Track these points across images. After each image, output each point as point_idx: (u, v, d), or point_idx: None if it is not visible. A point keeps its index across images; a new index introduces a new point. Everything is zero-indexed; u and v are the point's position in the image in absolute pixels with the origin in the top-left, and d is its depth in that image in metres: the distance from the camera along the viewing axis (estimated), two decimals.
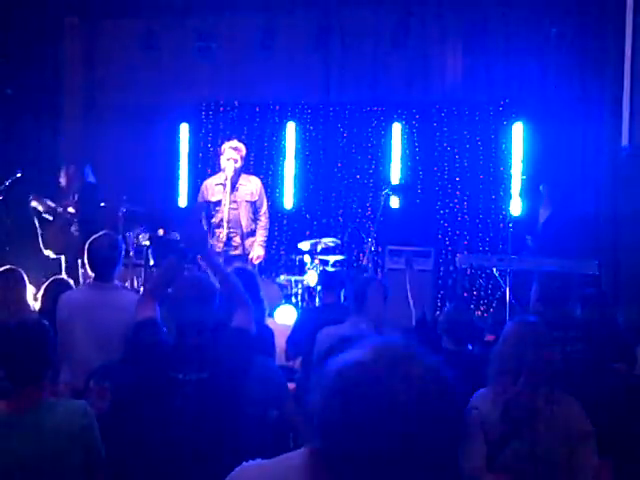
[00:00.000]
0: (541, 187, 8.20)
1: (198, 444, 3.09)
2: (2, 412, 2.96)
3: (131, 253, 8.00)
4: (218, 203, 7.42)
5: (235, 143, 7.57)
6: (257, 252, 7.49)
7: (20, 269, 5.35)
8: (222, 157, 7.51)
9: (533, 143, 9.36)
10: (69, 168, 7.95)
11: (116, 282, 4.83)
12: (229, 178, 7.35)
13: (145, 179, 9.91)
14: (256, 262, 7.50)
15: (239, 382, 3.30)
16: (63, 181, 7.83)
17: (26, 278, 5.33)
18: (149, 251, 8.09)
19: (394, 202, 9.00)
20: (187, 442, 3.11)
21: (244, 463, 1.95)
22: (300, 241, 8.95)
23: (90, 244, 4.66)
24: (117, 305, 4.43)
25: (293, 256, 9.03)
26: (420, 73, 9.73)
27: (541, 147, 9.22)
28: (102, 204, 8.06)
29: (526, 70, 9.32)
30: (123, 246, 4.84)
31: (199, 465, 2.99)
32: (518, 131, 9.52)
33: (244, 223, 7.41)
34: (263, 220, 7.55)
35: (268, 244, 8.20)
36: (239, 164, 7.47)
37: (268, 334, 4.45)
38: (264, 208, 7.60)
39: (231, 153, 7.45)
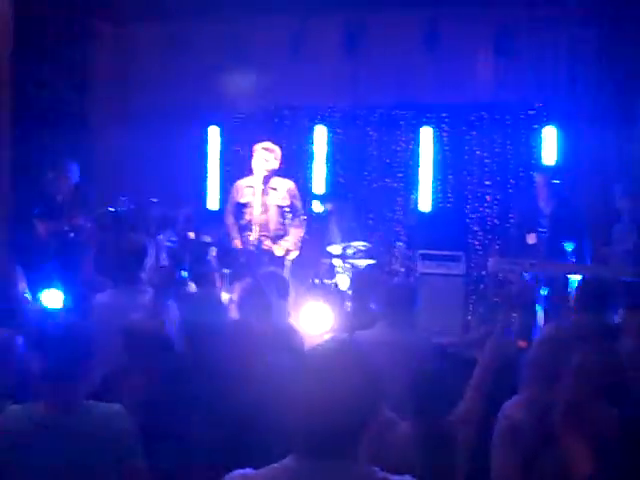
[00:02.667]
0: (536, 175, 7.98)
1: (210, 442, 3.12)
2: (39, 413, 2.95)
3: (163, 256, 8.00)
4: (246, 205, 7.40)
5: (267, 144, 7.52)
6: (287, 247, 7.41)
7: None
8: (253, 159, 7.48)
9: (565, 147, 9.26)
10: (64, 164, 7.73)
11: (143, 285, 4.84)
12: (260, 180, 7.33)
13: (175, 182, 9.93)
14: (288, 257, 7.41)
15: (243, 384, 3.32)
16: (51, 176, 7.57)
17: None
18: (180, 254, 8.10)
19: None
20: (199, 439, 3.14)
21: (232, 472, 1.99)
22: (330, 245, 8.93)
23: (115, 247, 4.70)
24: (140, 307, 4.45)
25: (324, 260, 9.00)
26: (450, 76, 9.66)
27: (573, 151, 9.12)
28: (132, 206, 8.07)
29: (558, 73, 9.24)
30: (151, 249, 4.86)
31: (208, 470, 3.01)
32: (550, 135, 9.42)
33: (272, 227, 7.37)
34: (297, 222, 7.49)
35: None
36: (271, 165, 7.41)
37: (297, 336, 4.43)
38: (301, 210, 7.56)
39: (262, 154, 7.42)
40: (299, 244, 7.54)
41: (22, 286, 5.33)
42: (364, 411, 1.98)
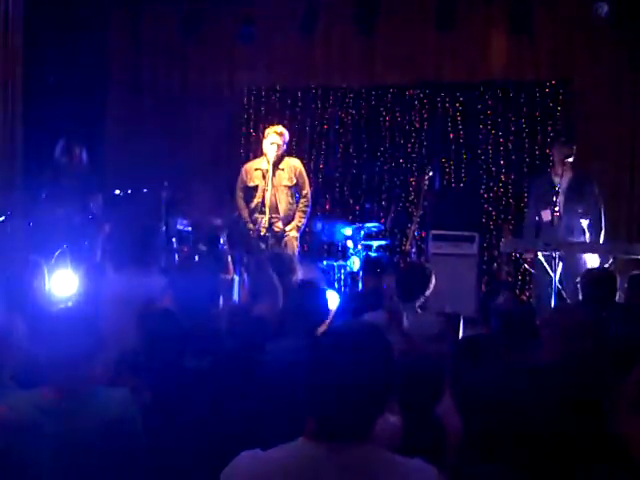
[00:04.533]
0: (553, 150, 7.89)
1: (211, 430, 3.11)
2: (44, 399, 2.95)
3: (173, 239, 8.00)
4: (255, 188, 7.38)
5: (279, 128, 7.52)
6: (291, 234, 7.38)
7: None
8: (265, 141, 7.46)
9: (581, 125, 9.16)
10: (74, 147, 7.61)
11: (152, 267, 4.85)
12: (270, 163, 7.30)
13: (188, 166, 9.91)
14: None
15: (247, 368, 3.31)
16: (65, 159, 7.46)
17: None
18: (191, 237, 8.09)
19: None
20: (200, 428, 3.13)
21: (242, 452, 1.97)
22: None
23: (124, 230, 4.71)
24: (150, 290, 4.45)
25: (336, 241, 9.00)
26: (464, 55, 9.59)
27: (589, 129, 9.04)
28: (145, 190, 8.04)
29: (573, 50, 9.15)
30: (162, 231, 4.87)
31: (213, 453, 2.98)
32: (565, 113, 9.31)
33: (282, 207, 7.35)
34: (303, 202, 7.45)
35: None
36: (281, 149, 7.41)
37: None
38: (305, 190, 7.50)
39: (274, 138, 7.40)
40: (300, 228, 7.51)
41: (39, 275, 5.31)
42: (380, 392, 1.97)
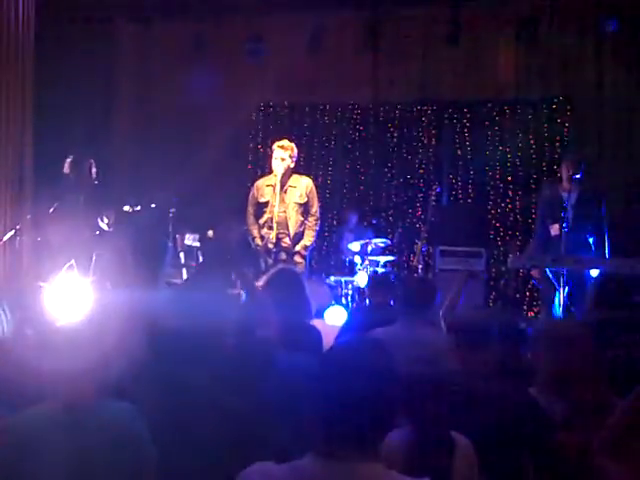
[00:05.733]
0: (562, 166, 7.84)
1: (217, 446, 3.10)
2: (51, 412, 2.95)
3: (181, 254, 8.02)
4: (266, 204, 7.37)
5: (284, 142, 7.48)
6: (300, 253, 7.37)
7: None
8: (272, 157, 7.46)
9: (588, 140, 9.17)
10: (83, 162, 7.72)
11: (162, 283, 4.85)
12: (278, 178, 7.29)
13: (196, 179, 9.94)
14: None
15: (253, 384, 3.30)
16: (73, 174, 7.56)
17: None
18: (199, 252, 8.11)
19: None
20: (205, 445, 3.12)
21: (254, 465, 1.96)
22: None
23: (133, 246, 4.70)
24: (156, 305, 4.44)
25: (343, 257, 9.01)
26: (471, 72, 9.62)
27: (596, 144, 9.06)
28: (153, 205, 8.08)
29: (580, 66, 9.17)
30: (170, 246, 4.87)
31: (219, 469, 2.97)
32: (573, 128, 9.32)
33: (291, 224, 7.32)
34: (311, 221, 7.43)
35: (319, 244, 8.11)
36: (288, 164, 7.37)
37: (315, 334, 4.39)
38: (314, 208, 7.48)
39: (280, 153, 7.38)
40: (309, 247, 7.49)
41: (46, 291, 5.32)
42: (385, 409, 1.98)
